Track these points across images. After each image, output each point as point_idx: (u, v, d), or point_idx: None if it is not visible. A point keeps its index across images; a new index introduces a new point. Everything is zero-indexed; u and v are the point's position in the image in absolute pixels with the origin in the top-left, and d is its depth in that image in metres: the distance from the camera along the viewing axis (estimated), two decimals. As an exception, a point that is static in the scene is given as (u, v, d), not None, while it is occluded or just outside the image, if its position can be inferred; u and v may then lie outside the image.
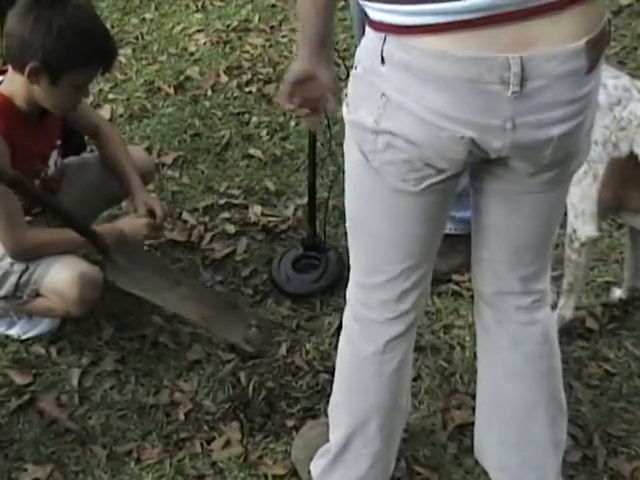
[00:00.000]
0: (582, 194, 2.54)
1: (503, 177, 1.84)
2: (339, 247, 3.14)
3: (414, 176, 1.76)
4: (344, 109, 1.87)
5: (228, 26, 4.78)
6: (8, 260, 2.69)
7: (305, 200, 3.29)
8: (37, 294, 2.73)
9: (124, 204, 3.27)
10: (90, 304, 2.74)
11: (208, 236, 3.31)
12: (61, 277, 2.67)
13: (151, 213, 2.85)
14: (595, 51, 1.63)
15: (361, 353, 2.10)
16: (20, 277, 2.69)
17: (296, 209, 3.43)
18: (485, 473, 2.36)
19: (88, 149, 3.30)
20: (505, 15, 1.55)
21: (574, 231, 2.61)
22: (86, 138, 3.23)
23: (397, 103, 1.68)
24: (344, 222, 2.04)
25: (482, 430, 2.30)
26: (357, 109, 1.78)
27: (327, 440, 2.26)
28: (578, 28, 1.60)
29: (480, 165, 1.82)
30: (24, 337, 2.87)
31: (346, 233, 2.04)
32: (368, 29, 1.72)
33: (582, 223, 2.59)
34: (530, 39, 1.57)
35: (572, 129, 1.70)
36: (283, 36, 4.67)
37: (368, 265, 2.00)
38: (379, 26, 1.66)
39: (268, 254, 3.22)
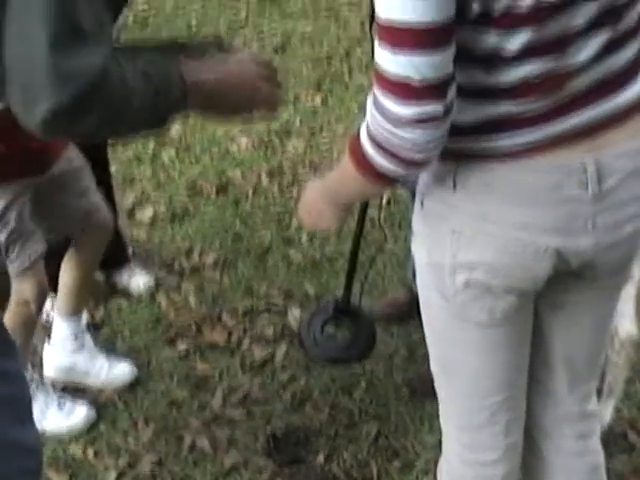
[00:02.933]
0: (623, 294, 2.54)
1: (570, 289, 1.83)
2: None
3: (499, 306, 1.75)
4: (415, 247, 1.84)
5: (270, 129, 4.86)
6: None
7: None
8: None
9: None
10: None
11: (247, 339, 3.33)
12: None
13: None
14: None
15: None
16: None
17: (335, 314, 3.43)
18: None
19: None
20: (580, 132, 1.60)
21: (615, 330, 2.59)
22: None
23: (472, 233, 1.67)
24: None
25: None
26: (430, 251, 1.76)
27: None
28: (638, 127, 1.65)
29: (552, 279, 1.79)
30: (58, 431, 2.88)
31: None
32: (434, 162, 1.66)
33: (622, 322, 2.58)
34: (600, 143, 1.62)
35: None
36: (324, 140, 4.74)
37: (469, 405, 1.94)
38: (453, 156, 1.63)
39: (307, 360, 3.22)
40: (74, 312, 3.07)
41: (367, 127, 1.56)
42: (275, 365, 3.21)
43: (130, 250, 3.60)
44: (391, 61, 1.45)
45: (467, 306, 1.76)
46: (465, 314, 1.78)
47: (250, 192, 4.23)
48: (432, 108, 1.46)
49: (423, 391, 3.02)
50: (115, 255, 3.38)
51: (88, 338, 3.14)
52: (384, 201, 4.14)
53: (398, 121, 1.47)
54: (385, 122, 1.48)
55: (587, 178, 1.61)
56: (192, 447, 2.87)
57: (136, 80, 1.57)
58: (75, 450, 2.85)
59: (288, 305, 3.50)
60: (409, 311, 3.39)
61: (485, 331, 1.81)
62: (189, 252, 3.76)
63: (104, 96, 1.48)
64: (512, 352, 1.87)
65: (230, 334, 3.35)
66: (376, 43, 1.47)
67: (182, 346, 3.30)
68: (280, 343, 3.31)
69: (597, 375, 2.05)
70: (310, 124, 4.91)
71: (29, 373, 2.79)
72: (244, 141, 4.68)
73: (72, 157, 2.80)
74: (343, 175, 1.74)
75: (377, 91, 1.49)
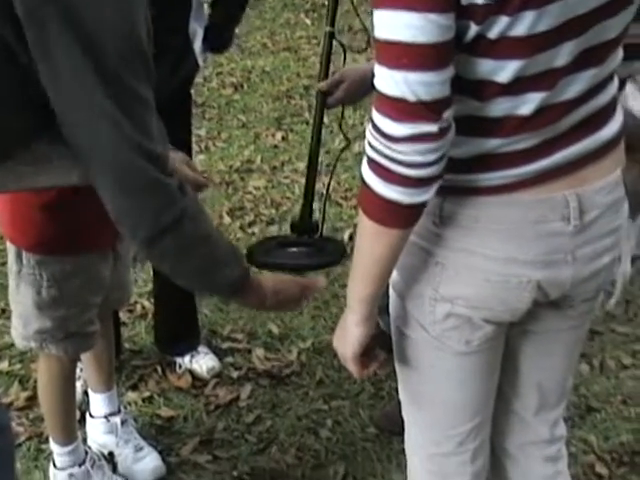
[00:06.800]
0: None
1: (544, 317, 1.84)
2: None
3: (477, 335, 1.76)
4: (392, 276, 1.78)
5: (231, 167, 4.86)
6: None
7: (309, 344, 3.30)
8: None
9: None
10: None
11: (212, 382, 3.30)
12: None
13: None
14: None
15: None
16: None
17: (300, 353, 3.42)
18: None
19: None
20: (563, 168, 1.63)
21: None
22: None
23: (456, 267, 1.68)
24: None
25: None
26: (409, 281, 1.77)
27: None
28: (613, 162, 1.70)
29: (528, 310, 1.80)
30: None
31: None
32: None
33: None
34: (581, 178, 1.65)
35: (616, 257, 1.76)
36: (285, 177, 4.75)
37: (438, 434, 1.94)
38: (439, 190, 1.61)
39: (272, 400, 3.20)
40: (108, 388, 2.92)
41: (366, 151, 1.55)
42: (240, 406, 3.18)
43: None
44: (387, 78, 1.46)
45: (445, 336, 1.76)
46: (442, 344, 1.78)
47: (212, 231, 4.20)
48: (426, 128, 1.47)
49: (390, 429, 3.01)
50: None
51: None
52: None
53: (393, 138, 1.48)
54: (382, 139, 1.49)
55: (569, 212, 1.64)
56: None
57: (213, 230, 1.81)
58: None
59: (252, 345, 3.49)
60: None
61: (460, 360, 1.81)
62: (150, 294, 3.72)
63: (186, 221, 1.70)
64: (484, 381, 1.88)
65: (194, 377, 3.32)
66: (375, 64, 1.49)
67: (146, 390, 3.26)
68: (244, 384, 3.28)
69: (565, 400, 2.05)
70: (271, 161, 4.91)
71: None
72: (205, 180, 4.66)
73: None
74: (358, 242, 1.67)
75: (374, 111, 1.51)
